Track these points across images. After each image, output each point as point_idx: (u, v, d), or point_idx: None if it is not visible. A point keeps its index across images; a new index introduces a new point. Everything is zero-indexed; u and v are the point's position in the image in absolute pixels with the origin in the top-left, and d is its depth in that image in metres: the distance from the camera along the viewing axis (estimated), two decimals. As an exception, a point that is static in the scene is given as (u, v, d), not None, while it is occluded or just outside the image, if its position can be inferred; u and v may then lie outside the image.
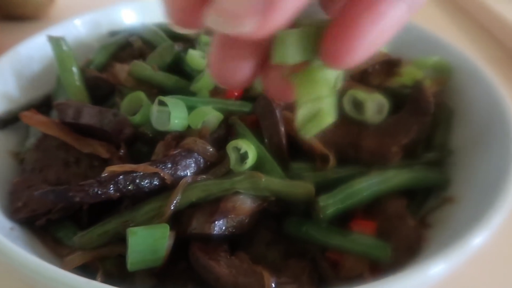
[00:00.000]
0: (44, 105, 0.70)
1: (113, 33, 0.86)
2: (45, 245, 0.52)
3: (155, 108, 0.59)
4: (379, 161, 0.59)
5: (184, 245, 0.50)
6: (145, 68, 0.68)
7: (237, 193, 0.51)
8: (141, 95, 0.62)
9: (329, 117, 0.33)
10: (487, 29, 1.19)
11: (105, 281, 0.46)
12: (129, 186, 0.50)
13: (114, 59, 0.78)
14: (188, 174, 0.54)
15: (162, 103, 0.59)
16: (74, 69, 0.64)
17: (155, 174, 0.51)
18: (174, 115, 0.58)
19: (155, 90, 0.70)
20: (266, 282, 0.42)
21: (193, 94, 0.68)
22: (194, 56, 0.71)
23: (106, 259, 0.49)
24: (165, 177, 0.51)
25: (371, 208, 0.53)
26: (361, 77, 0.68)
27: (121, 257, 0.48)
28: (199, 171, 0.55)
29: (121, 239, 0.48)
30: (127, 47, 0.80)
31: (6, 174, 0.61)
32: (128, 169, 0.50)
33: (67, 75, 0.65)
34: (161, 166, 0.52)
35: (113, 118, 0.57)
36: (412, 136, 0.60)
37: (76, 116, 0.58)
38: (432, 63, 0.72)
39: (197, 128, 0.59)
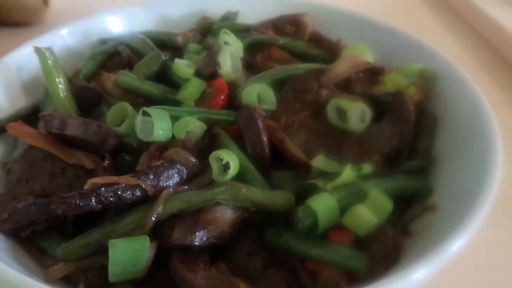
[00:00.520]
0: (32, 115, 0.71)
1: (103, 41, 0.87)
2: (30, 255, 0.53)
3: (139, 118, 0.60)
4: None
5: (166, 255, 0.51)
6: (131, 78, 0.68)
7: (217, 204, 0.52)
8: (126, 105, 0.63)
9: None
10: (479, 32, 1.19)
11: (87, 292, 0.48)
12: (111, 198, 0.50)
13: (103, 67, 0.79)
14: (171, 184, 0.54)
15: (146, 114, 0.60)
16: (61, 80, 0.65)
17: (137, 186, 0.52)
18: (158, 126, 0.58)
19: (142, 99, 0.71)
20: (242, 294, 0.43)
21: (179, 103, 0.69)
22: (180, 65, 0.72)
23: (89, 270, 0.50)
24: (147, 189, 0.52)
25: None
26: (345, 85, 0.69)
27: (104, 268, 0.49)
28: (182, 182, 0.56)
29: (103, 250, 0.49)
30: (115, 55, 0.81)
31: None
32: (110, 181, 0.51)
33: (54, 86, 0.65)
34: (143, 177, 0.53)
35: (97, 129, 0.58)
36: (393, 145, 0.61)
37: (62, 127, 0.59)
38: (416, 70, 0.73)
39: (181, 138, 0.60)
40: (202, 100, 0.68)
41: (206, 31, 0.91)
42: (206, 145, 0.61)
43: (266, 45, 0.83)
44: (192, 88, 0.67)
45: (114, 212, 0.54)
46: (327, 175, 0.58)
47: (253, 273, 0.52)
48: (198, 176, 0.57)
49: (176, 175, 0.55)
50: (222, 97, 0.68)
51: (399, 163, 0.63)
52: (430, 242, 0.51)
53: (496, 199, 0.50)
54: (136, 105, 0.69)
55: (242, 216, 0.53)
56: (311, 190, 0.55)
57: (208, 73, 0.73)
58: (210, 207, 0.52)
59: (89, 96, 0.71)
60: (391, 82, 0.70)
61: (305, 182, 0.56)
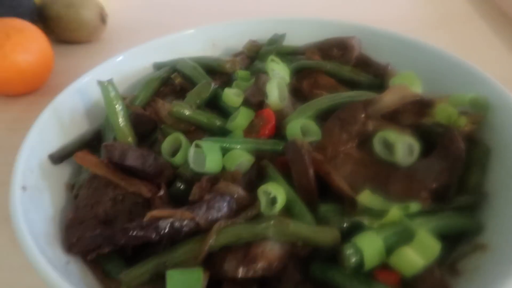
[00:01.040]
0: (94, 139, 0.77)
1: (157, 66, 0.92)
2: (96, 278, 0.58)
3: (192, 150, 0.63)
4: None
5: (215, 284, 0.54)
6: (184, 108, 0.72)
7: (266, 238, 0.54)
8: (180, 136, 0.67)
9: None
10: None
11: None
12: (167, 230, 0.54)
13: (156, 94, 0.84)
14: (220, 216, 0.58)
15: (199, 145, 0.64)
16: (121, 111, 0.70)
17: (191, 220, 0.55)
18: (209, 158, 0.62)
19: (193, 128, 0.75)
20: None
21: (228, 131, 0.73)
22: (230, 95, 0.75)
23: (148, 296, 0.54)
24: (200, 222, 0.55)
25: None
26: (392, 116, 0.69)
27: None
28: (231, 213, 0.59)
29: (161, 277, 0.53)
30: (168, 82, 0.86)
31: (63, 205, 0.68)
32: (167, 214, 0.54)
33: (115, 116, 0.70)
34: (196, 210, 0.56)
35: (154, 162, 0.62)
36: (442, 181, 0.61)
37: (122, 158, 0.64)
38: (468, 100, 0.71)
39: (230, 170, 0.63)
40: (250, 130, 0.71)
41: (254, 54, 0.94)
42: (254, 177, 0.64)
43: (313, 70, 0.85)
44: (241, 118, 0.70)
45: (168, 241, 0.58)
46: (373, 211, 0.58)
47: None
48: (246, 207, 0.60)
49: (225, 207, 0.58)
50: (269, 127, 0.70)
51: (448, 199, 0.62)
52: (481, 284, 0.51)
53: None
54: (188, 133, 0.73)
55: (289, 251, 0.55)
56: (357, 227, 0.56)
57: (256, 101, 0.75)
58: (259, 241, 0.54)
59: (145, 123, 0.76)
60: (441, 113, 0.69)
61: (352, 219, 0.57)
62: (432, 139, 0.67)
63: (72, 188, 0.72)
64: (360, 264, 0.53)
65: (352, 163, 0.67)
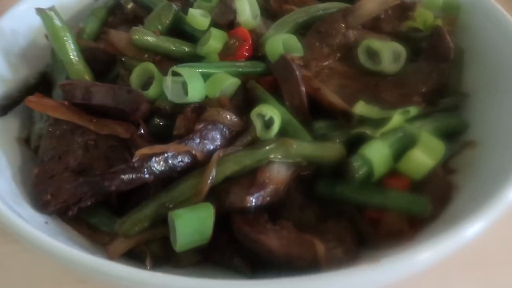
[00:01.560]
0: (40, 83, 0.66)
1: (96, -7, 0.79)
2: (82, 234, 0.51)
3: (169, 80, 0.56)
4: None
5: (222, 217, 0.50)
6: (147, 34, 0.63)
7: (270, 162, 0.51)
8: (150, 66, 0.59)
9: None
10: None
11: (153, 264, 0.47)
12: (162, 167, 0.48)
13: (106, 25, 0.72)
14: (216, 147, 0.52)
15: (175, 73, 0.56)
16: (71, 43, 0.60)
17: (187, 152, 0.49)
18: (192, 86, 0.55)
19: (159, 57, 0.66)
20: (317, 250, 0.44)
21: (199, 58, 0.65)
22: (196, 16, 0.66)
23: (151, 243, 0.49)
24: (197, 154, 0.50)
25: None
26: (373, 24, 0.66)
27: (165, 239, 0.48)
28: (226, 142, 0.54)
29: (162, 221, 0.48)
30: (117, 10, 0.74)
31: (20, 163, 0.58)
32: (159, 150, 0.48)
33: (64, 50, 0.60)
34: (190, 142, 0.50)
35: (128, 96, 0.54)
36: (432, 84, 0.60)
37: (87, 97, 0.55)
38: (441, 2, 0.70)
39: (215, 97, 0.57)
40: (226, 53, 0.64)
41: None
42: (241, 101, 0.59)
43: (278, -16, 0.78)
44: (214, 41, 0.63)
45: (159, 181, 0.52)
46: (369, 121, 0.57)
47: (309, 225, 0.52)
48: (240, 134, 0.55)
49: (219, 136, 0.53)
50: (247, 48, 0.64)
51: (435, 102, 0.62)
52: (481, 178, 0.52)
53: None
54: (154, 63, 0.65)
55: (295, 172, 0.52)
56: (359, 139, 0.54)
57: (226, 22, 0.68)
58: (264, 167, 0.50)
59: (101, 58, 0.66)
60: (419, 17, 0.67)
61: (353, 131, 0.54)
62: (412, 45, 0.65)
63: (27, 142, 0.61)
64: (369, 175, 0.51)
65: (338, 77, 0.64)
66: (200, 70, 0.58)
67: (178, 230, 0.44)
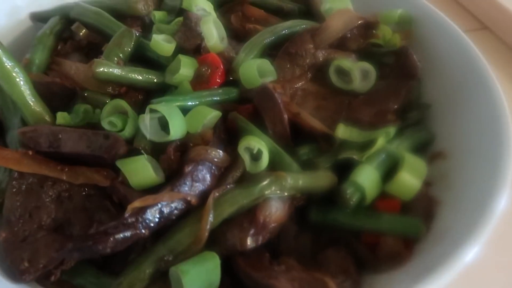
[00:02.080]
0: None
1: (37, 17, 0.71)
2: (69, 300, 0.46)
3: (147, 119, 0.52)
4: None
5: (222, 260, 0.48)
6: (112, 66, 0.58)
7: (267, 199, 0.50)
8: (122, 103, 0.54)
9: None
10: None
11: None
12: (157, 219, 0.45)
13: (55, 54, 0.65)
14: (207, 187, 0.50)
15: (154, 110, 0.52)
16: (25, 85, 0.53)
17: (180, 199, 0.47)
18: (173, 123, 0.51)
19: (124, 89, 0.61)
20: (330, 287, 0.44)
21: (169, 87, 0.62)
22: (159, 42, 0.62)
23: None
24: (192, 200, 0.47)
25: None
26: (339, 42, 0.67)
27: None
28: (216, 181, 0.52)
29: (162, 274, 0.45)
30: (65, 34, 0.67)
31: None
32: (152, 201, 0.45)
33: (17, 90, 0.53)
34: (182, 187, 0.47)
35: (104, 141, 0.49)
36: (402, 100, 0.63)
37: (55, 145, 0.49)
38: (397, 16, 0.73)
39: (197, 132, 0.54)
40: (197, 80, 0.61)
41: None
42: (223, 133, 0.57)
43: (236, 2, 0.76)
44: (185, 69, 0.60)
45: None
46: (350, 143, 0.58)
47: (304, 255, 0.52)
48: (229, 170, 0.53)
49: (209, 176, 0.51)
50: (219, 74, 0.62)
51: (403, 117, 0.65)
52: (462, 192, 0.54)
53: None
54: (118, 96, 0.60)
55: (292, 206, 0.51)
56: (347, 164, 0.55)
57: (192, 46, 0.65)
58: (261, 205, 0.49)
59: (57, 93, 0.59)
60: (379, 33, 0.69)
61: (340, 156, 0.55)
62: (376, 60, 0.67)
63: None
64: (361, 200, 0.52)
65: (313, 98, 0.64)
66: (178, 104, 0.55)
67: (187, 286, 0.42)
